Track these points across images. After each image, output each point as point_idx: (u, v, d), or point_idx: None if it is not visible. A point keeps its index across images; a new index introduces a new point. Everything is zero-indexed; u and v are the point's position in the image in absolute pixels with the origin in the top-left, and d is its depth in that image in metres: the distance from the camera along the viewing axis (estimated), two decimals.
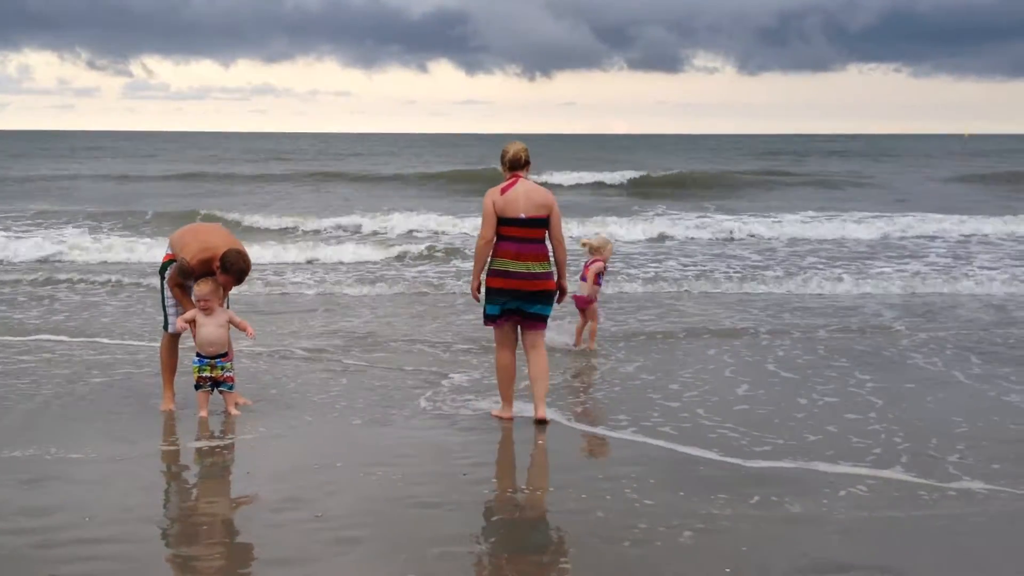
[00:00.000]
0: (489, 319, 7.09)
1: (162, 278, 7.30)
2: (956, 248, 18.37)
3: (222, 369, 7.14)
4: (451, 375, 8.50)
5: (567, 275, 7.24)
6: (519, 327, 7.11)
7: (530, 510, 5.40)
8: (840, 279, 14.11)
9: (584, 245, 9.99)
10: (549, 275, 6.97)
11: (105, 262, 16.09)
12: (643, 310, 11.85)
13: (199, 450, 6.48)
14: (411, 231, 20.31)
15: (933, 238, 19.76)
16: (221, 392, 7.19)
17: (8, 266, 15.62)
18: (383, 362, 8.99)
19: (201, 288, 6.98)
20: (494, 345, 7.29)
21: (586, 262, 9.82)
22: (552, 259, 7.04)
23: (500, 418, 7.15)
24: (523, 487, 5.77)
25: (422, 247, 17.32)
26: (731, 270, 15.30)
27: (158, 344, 7.73)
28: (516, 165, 7.00)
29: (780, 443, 6.56)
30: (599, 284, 9.83)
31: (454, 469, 6.03)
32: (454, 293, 13.04)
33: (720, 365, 8.96)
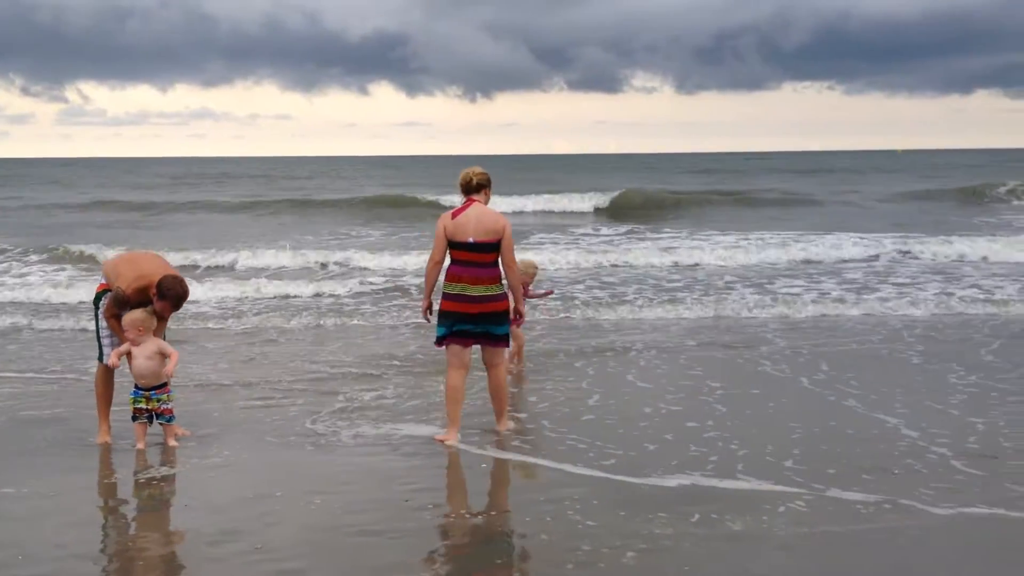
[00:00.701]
0: (439, 340, 7.17)
1: (96, 308, 7.17)
2: (880, 267, 18.23)
3: (158, 401, 7.01)
4: (386, 399, 8.44)
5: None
6: (479, 347, 7.22)
7: (474, 535, 5.37)
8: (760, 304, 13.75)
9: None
10: (499, 297, 7.07)
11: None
12: (559, 332, 11.89)
13: (136, 483, 6.36)
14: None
15: (848, 261, 19.03)
16: (160, 424, 7.07)
17: None
18: (318, 388, 8.89)
19: (126, 319, 6.86)
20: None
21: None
22: (504, 282, 7.14)
23: (443, 442, 7.12)
24: (466, 512, 5.73)
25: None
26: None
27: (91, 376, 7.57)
28: (468, 189, 7.12)
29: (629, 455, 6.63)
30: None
31: (397, 495, 5.98)
32: (361, 324, 12.95)
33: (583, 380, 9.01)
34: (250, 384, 9.11)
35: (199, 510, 5.79)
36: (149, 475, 6.49)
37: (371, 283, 16.11)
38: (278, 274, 17.30)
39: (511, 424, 7.52)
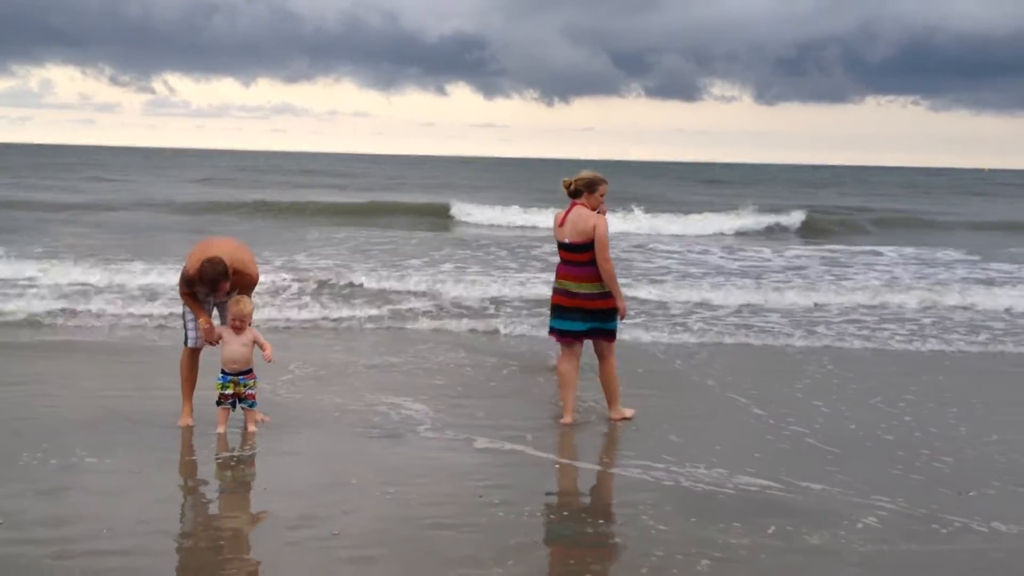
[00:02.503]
0: (551, 331, 7.83)
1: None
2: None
3: (244, 386, 7.18)
4: (463, 400, 8.50)
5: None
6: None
7: (546, 535, 5.38)
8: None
9: None
10: (601, 295, 7.53)
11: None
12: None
13: (217, 465, 6.50)
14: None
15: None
16: (243, 408, 7.23)
17: None
18: (397, 386, 8.99)
19: (233, 308, 7.08)
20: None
21: None
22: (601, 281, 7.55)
23: (566, 425, 7.66)
24: (538, 511, 5.73)
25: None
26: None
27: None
28: (571, 194, 7.63)
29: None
30: None
31: (470, 491, 6.02)
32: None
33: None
34: (329, 374, 9.24)
35: (278, 494, 5.90)
36: (230, 458, 6.62)
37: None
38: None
39: (627, 412, 7.90)
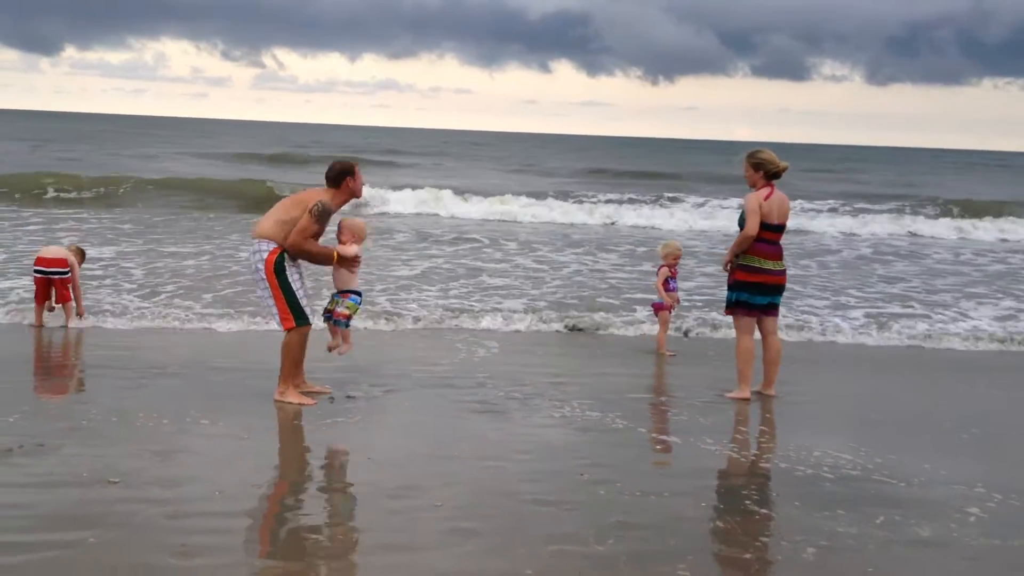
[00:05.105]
0: (740, 307, 7.95)
1: (280, 276, 7.06)
2: None
3: (339, 303, 7.46)
4: (566, 378, 8.50)
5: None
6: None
7: (648, 515, 5.33)
8: None
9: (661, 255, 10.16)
10: (784, 272, 8.01)
11: None
12: None
13: (323, 433, 6.63)
14: None
15: None
16: (332, 325, 7.52)
17: None
18: (502, 360, 9.04)
19: (350, 224, 7.48)
20: (736, 335, 8.11)
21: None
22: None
23: (738, 399, 7.87)
24: (640, 491, 5.69)
25: None
26: None
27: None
28: (776, 176, 7.83)
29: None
30: (671, 289, 9.92)
31: (571, 469, 6.01)
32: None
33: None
34: (435, 348, 9.35)
35: (381, 464, 5.98)
36: (336, 428, 6.75)
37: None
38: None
39: (772, 392, 8.07)
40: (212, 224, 19.89)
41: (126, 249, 15.44)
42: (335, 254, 7.20)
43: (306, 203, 7.11)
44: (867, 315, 12.29)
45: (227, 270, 13.74)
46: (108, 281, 12.44)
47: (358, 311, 7.68)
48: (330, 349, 7.61)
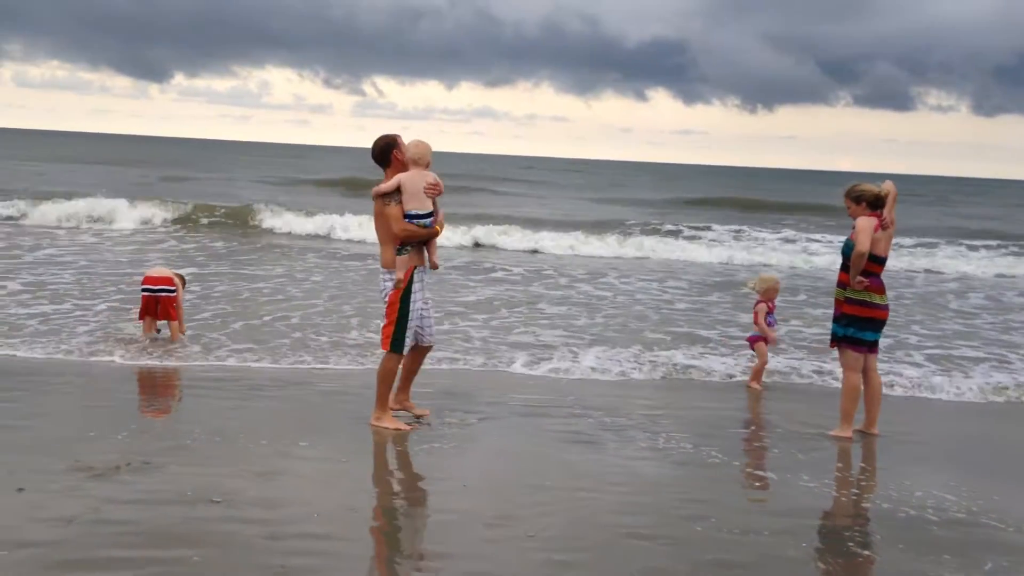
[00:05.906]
0: (847, 341, 7.68)
1: (404, 301, 7.20)
2: None
3: None
4: (657, 410, 8.41)
5: None
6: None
7: (746, 554, 5.21)
8: None
9: (752, 288, 10.09)
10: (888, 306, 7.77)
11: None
12: None
13: (419, 459, 6.68)
14: None
15: None
16: None
17: None
18: (596, 391, 8.99)
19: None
20: (842, 371, 7.87)
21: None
22: None
23: (840, 438, 7.67)
24: (738, 529, 5.58)
25: None
26: None
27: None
28: (879, 203, 7.57)
29: None
30: (768, 324, 9.80)
31: (667, 502, 5.93)
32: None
33: None
34: (531, 379, 9.35)
35: (476, 491, 6.00)
36: (431, 455, 6.79)
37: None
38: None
39: (875, 431, 7.85)
40: None
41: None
42: (437, 228, 7.29)
43: (380, 211, 7.24)
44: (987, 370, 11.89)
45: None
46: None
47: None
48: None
